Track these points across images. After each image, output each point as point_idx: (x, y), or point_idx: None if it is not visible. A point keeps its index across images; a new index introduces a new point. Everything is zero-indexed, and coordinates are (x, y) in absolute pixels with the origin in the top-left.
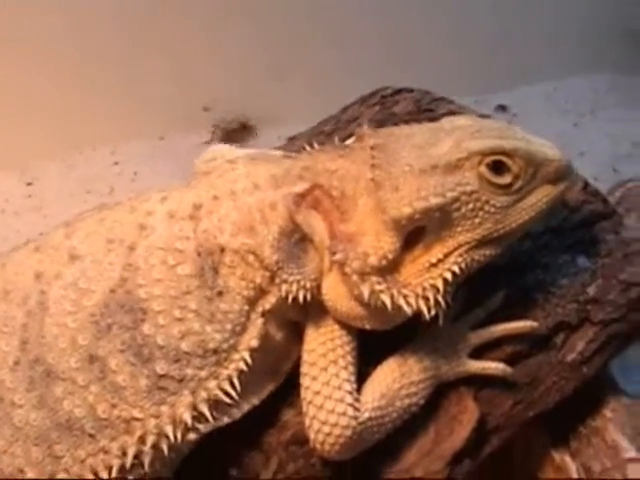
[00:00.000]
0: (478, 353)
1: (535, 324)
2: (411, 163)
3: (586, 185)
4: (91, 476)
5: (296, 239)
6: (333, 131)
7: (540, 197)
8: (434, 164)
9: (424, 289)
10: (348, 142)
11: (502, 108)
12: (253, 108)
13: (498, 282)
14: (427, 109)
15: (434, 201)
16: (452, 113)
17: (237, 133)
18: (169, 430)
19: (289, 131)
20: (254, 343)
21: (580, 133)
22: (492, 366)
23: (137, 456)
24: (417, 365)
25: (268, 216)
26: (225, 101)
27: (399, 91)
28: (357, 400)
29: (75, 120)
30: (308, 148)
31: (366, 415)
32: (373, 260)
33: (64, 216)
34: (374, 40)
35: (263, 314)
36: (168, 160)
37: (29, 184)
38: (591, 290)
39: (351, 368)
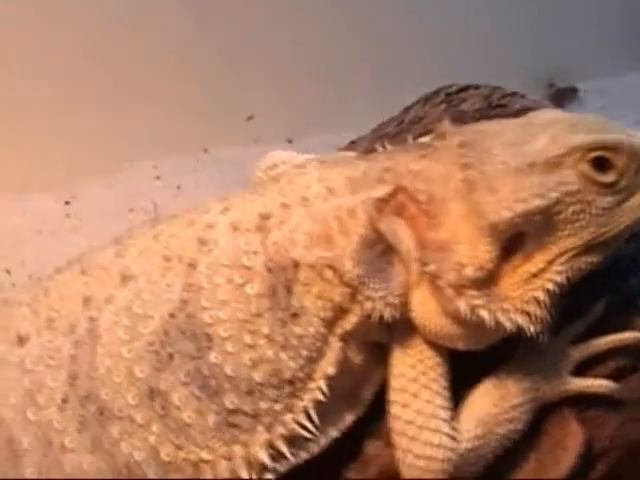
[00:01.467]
0: (580, 370)
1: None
2: (506, 161)
3: None
4: None
5: (379, 250)
6: (397, 133)
7: None
8: (532, 162)
9: (525, 302)
10: (426, 140)
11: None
12: (296, 117)
13: (599, 289)
14: (499, 105)
15: (535, 203)
16: (527, 108)
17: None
18: (244, 472)
19: (333, 139)
20: (332, 370)
21: None
22: (596, 383)
23: None
24: (516, 386)
25: (347, 224)
26: (268, 111)
27: (465, 88)
28: (454, 429)
29: (114, 135)
30: (381, 149)
31: (465, 445)
32: (469, 271)
33: (106, 236)
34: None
35: (343, 337)
36: (212, 173)
37: (67, 203)
38: None
39: (446, 393)
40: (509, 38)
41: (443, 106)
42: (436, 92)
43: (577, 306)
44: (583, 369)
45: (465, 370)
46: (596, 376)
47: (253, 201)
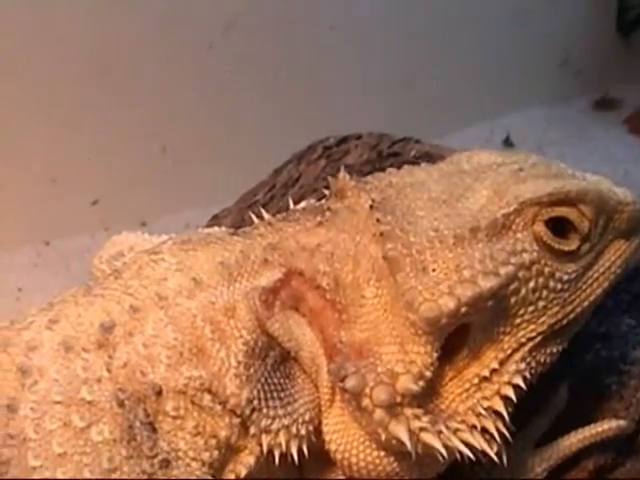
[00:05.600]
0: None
1: (621, 422)
2: (438, 227)
3: None
4: None
5: (274, 360)
6: (270, 199)
7: (613, 258)
8: (473, 226)
9: (480, 417)
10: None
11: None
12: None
13: (552, 373)
14: (392, 154)
15: (485, 284)
16: (429, 155)
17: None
18: None
19: (194, 217)
20: None
21: None
22: None
23: None
24: None
25: (225, 329)
26: (115, 193)
27: (344, 139)
28: None
29: None
30: (265, 216)
31: None
32: (406, 383)
33: None
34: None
35: None
36: (56, 269)
37: None
38: None
39: None
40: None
41: (322, 162)
42: (310, 147)
43: (531, 403)
44: (555, 478)
45: None
46: None
47: (90, 306)
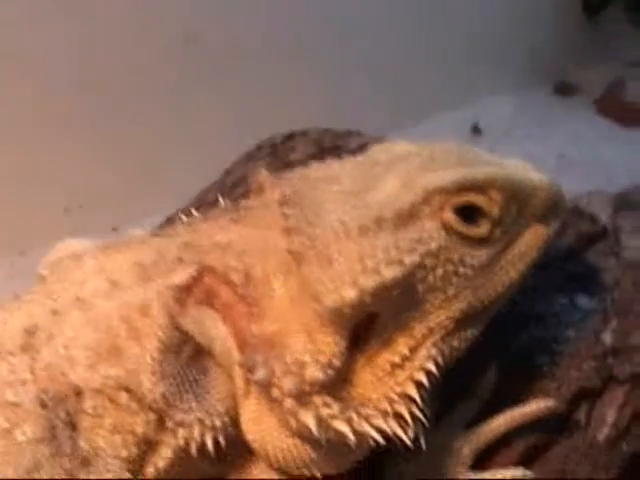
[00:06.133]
0: (483, 460)
1: (550, 402)
2: (344, 219)
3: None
4: None
5: (187, 355)
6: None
7: (530, 243)
8: (378, 216)
9: (392, 402)
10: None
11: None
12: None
13: (482, 355)
14: (333, 147)
15: (389, 273)
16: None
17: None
18: None
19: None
20: None
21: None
22: (506, 475)
23: None
24: None
25: (139, 327)
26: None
27: (290, 136)
28: None
29: None
30: (184, 218)
31: None
32: (314, 372)
33: None
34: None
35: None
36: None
37: None
38: (607, 337)
39: None
40: None
41: (269, 160)
42: (259, 147)
43: (461, 385)
44: (485, 459)
45: None
46: (503, 465)
47: (16, 311)
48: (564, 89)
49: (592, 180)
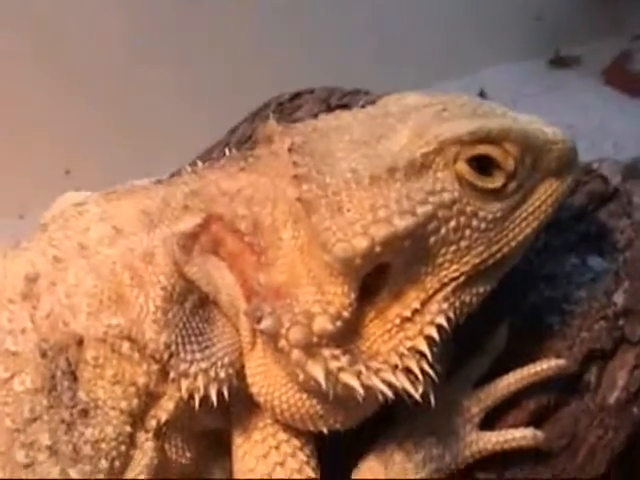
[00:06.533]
0: (492, 420)
1: (561, 361)
2: (355, 168)
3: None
4: None
5: (192, 304)
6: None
7: (544, 197)
8: (391, 166)
9: (402, 357)
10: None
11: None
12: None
13: (493, 312)
14: (339, 105)
15: (400, 223)
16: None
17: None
18: None
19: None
20: (145, 475)
21: None
22: (515, 435)
23: None
24: (410, 460)
25: (143, 275)
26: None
27: (297, 95)
28: None
29: None
30: (191, 169)
31: None
32: (322, 323)
33: None
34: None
35: (157, 433)
36: None
37: None
38: (619, 298)
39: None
40: None
41: (274, 117)
42: (266, 105)
43: (473, 342)
44: (495, 419)
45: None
46: (512, 425)
47: (16, 259)
48: (560, 61)
49: (601, 150)
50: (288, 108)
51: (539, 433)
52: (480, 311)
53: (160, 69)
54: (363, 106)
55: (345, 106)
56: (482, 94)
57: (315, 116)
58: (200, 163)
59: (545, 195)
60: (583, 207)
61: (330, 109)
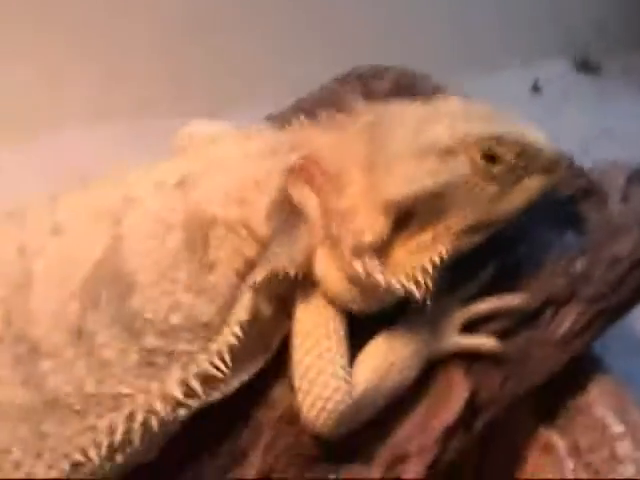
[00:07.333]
0: (469, 328)
1: (524, 298)
2: (405, 145)
3: (571, 163)
4: (79, 455)
5: (288, 212)
6: (311, 109)
7: (531, 187)
8: (429, 147)
9: (414, 270)
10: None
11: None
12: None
13: (488, 256)
14: (407, 86)
15: (427, 185)
16: (437, 89)
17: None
18: (159, 406)
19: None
20: (244, 316)
21: (551, 117)
22: (482, 341)
23: (126, 433)
24: (407, 341)
25: (261, 187)
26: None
27: (378, 69)
28: (350, 376)
29: (44, 97)
30: (298, 122)
31: (359, 390)
32: (367, 237)
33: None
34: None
35: (253, 287)
36: (146, 143)
37: None
38: (579, 265)
39: (343, 343)
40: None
41: (356, 86)
42: (348, 74)
43: (469, 272)
44: (471, 328)
45: (362, 329)
46: (482, 335)
47: (175, 163)
48: (609, 66)
49: (633, 154)
50: (367, 80)
51: (500, 344)
52: (474, 254)
53: (253, 24)
54: (428, 91)
55: (411, 87)
56: (535, 86)
57: (390, 91)
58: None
59: (532, 185)
60: (570, 197)
61: (399, 88)
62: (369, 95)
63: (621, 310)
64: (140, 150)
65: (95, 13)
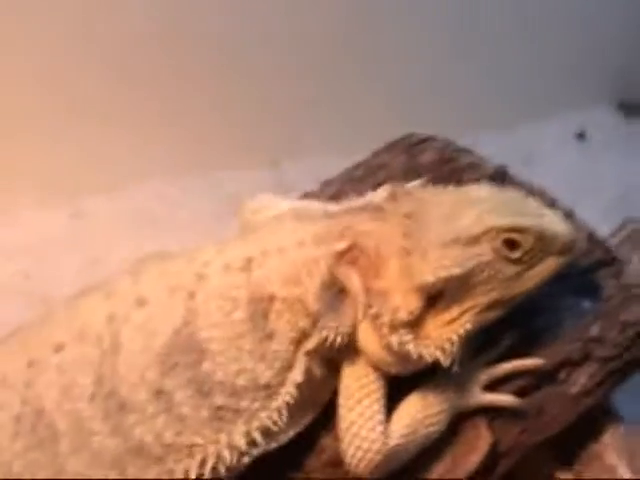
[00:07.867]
0: (492, 387)
1: (541, 361)
2: (438, 235)
3: (591, 235)
4: None
5: (335, 291)
6: (363, 177)
7: (545, 268)
8: (457, 237)
9: (442, 341)
10: (380, 196)
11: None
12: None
13: (511, 324)
14: (449, 159)
15: (455, 271)
16: (472, 165)
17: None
18: (226, 454)
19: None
20: (299, 378)
21: (591, 167)
22: (503, 398)
23: (198, 476)
24: (437, 398)
25: (312, 270)
26: (254, 137)
27: (424, 139)
28: (386, 429)
29: (123, 151)
30: (346, 204)
31: (394, 442)
32: (402, 315)
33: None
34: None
35: (306, 353)
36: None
37: (73, 217)
38: (593, 330)
39: (382, 401)
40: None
41: (404, 157)
42: (399, 141)
43: (494, 338)
44: (494, 387)
45: (398, 388)
46: (504, 392)
47: (241, 246)
48: (631, 110)
49: None
50: (414, 150)
51: (519, 400)
52: (496, 325)
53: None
54: (464, 166)
55: (453, 160)
56: (581, 134)
57: (431, 163)
58: (341, 184)
59: (548, 266)
60: (588, 267)
61: (443, 161)
62: (414, 168)
63: (631, 369)
64: (211, 199)
65: (177, 82)
